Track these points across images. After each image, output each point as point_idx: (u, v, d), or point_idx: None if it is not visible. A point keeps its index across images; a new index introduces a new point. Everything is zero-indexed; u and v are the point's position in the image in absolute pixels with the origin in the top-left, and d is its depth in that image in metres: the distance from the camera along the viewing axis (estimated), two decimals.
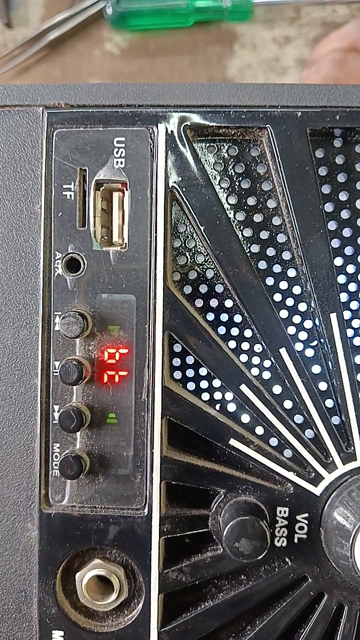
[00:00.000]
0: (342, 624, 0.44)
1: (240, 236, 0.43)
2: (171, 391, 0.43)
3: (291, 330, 0.44)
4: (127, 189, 0.43)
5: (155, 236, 0.42)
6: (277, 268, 0.44)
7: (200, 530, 0.44)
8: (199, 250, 0.44)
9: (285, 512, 0.44)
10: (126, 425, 0.43)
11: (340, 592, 0.44)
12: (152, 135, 0.42)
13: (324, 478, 0.43)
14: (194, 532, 0.44)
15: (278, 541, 0.44)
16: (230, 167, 0.44)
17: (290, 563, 0.44)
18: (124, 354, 0.43)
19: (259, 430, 0.44)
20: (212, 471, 0.44)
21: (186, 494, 0.45)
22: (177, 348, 0.44)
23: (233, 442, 0.44)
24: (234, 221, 0.43)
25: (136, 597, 0.45)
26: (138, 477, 0.44)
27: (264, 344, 0.43)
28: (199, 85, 0.43)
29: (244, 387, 0.43)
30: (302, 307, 0.44)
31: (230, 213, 0.43)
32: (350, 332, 0.43)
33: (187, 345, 0.43)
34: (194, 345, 0.43)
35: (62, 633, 0.45)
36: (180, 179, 0.42)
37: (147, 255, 0.43)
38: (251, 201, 0.44)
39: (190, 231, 0.44)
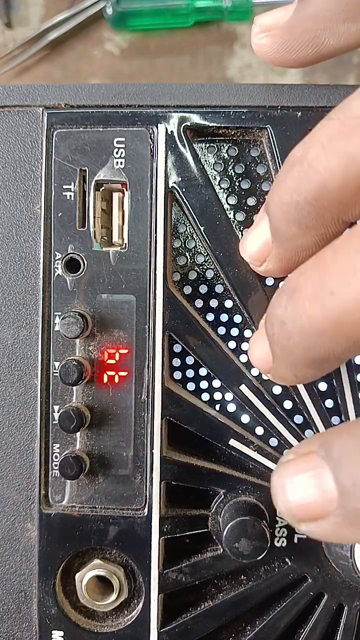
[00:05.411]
0: (342, 624, 0.44)
1: (240, 236, 0.43)
2: (171, 391, 0.43)
3: None
4: (127, 189, 0.43)
5: (155, 236, 0.42)
6: None
7: (200, 531, 0.44)
8: (199, 250, 0.44)
9: None
10: (126, 425, 0.43)
11: (340, 592, 0.44)
12: (152, 135, 0.42)
13: None
14: (194, 532, 0.44)
15: (278, 541, 0.44)
16: (230, 167, 0.44)
17: (290, 563, 0.44)
18: (123, 355, 0.43)
19: (259, 430, 0.44)
20: (212, 471, 0.44)
21: (186, 495, 0.45)
22: (177, 348, 0.44)
23: (233, 442, 0.44)
24: (234, 221, 0.43)
25: (136, 597, 0.45)
26: (138, 477, 0.44)
27: None
28: (199, 86, 0.43)
29: (243, 388, 0.43)
30: None
31: (230, 213, 0.43)
32: None
33: (187, 346, 0.43)
34: (194, 345, 0.43)
35: (61, 633, 0.45)
36: (180, 179, 0.42)
37: (147, 256, 0.43)
38: (251, 202, 0.44)
39: (190, 231, 0.44)
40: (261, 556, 0.41)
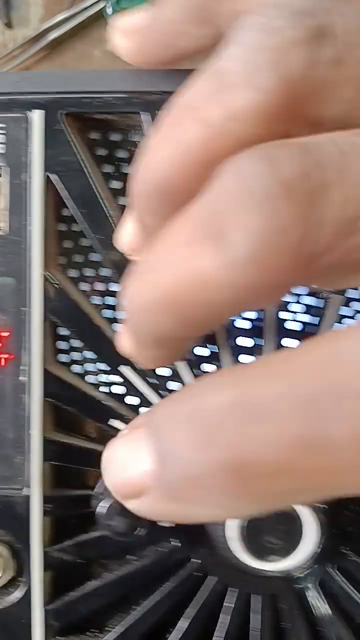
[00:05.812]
0: (226, 604, 0.44)
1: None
2: (52, 373, 0.44)
3: None
4: (4, 174, 0.43)
5: (35, 221, 0.43)
6: None
7: (83, 510, 0.45)
8: (83, 234, 0.44)
9: None
10: (7, 407, 0.44)
11: (225, 572, 0.44)
12: (30, 121, 0.43)
13: None
14: (77, 511, 0.45)
15: (164, 521, 0.44)
16: (113, 152, 0.44)
17: (176, 543, 0.44)
18: (4, 337, 0.44)
19: (143, 411, 0.44)
20: (94, 452, 0.44)
21: (69, 475, 0.45)
22: (62, 331, 0.45)
23: (116, 423, 0.44)
24: (116, 206, 0.44)
25: (21, 575, 0.45)
26: (19, 457, 0.44)
27: None
28: (77, 73, 0.43)
29: (128, 370, 0.44)
30: None
31: (114, 198, 0.44)
32: None
33: (71, 329, 0.44)
34: (79, 328, 0.44)
35: None
36: (58, 164, 0.43)
37: (26, 239, 0.43)
38: None
39: (73, 216, 0.44)
40: (138, 533, 0.42)
